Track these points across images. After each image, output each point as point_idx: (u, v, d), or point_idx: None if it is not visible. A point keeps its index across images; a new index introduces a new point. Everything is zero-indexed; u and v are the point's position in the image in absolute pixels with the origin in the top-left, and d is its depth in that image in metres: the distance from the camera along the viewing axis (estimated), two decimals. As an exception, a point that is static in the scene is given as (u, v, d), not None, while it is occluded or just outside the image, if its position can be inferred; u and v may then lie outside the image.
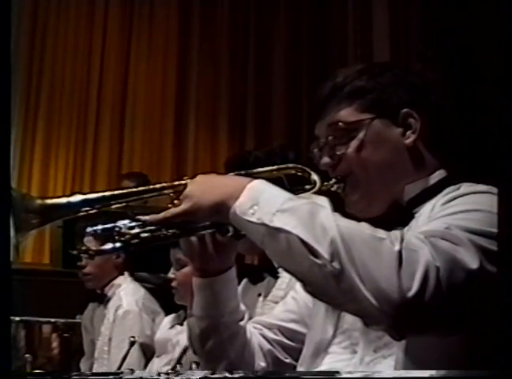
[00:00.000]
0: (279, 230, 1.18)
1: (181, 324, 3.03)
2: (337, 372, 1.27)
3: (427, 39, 4.48)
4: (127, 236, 1.36)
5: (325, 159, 1.46)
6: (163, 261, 3.12)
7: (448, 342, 1.22)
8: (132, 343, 2.98)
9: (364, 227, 1.18)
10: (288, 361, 1.58)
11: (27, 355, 3.62)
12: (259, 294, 2.25)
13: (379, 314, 1.11)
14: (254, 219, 1.22)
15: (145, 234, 1.35)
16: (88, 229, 1.41)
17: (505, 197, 1.08)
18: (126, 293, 3.58)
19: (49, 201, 1.34)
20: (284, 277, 2.18)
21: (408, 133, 1.43)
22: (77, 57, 6.52)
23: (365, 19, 5.42)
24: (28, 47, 6.36)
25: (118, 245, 1.37)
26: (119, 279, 3.65)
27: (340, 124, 1.43)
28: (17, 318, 3.71)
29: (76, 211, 1.35)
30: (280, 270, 2.22)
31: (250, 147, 6.42)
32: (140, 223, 1.35)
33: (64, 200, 1.35)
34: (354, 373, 1.29)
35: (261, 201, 1.23)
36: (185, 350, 2.77)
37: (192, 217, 1.32)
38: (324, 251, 1.13)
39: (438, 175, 1.44)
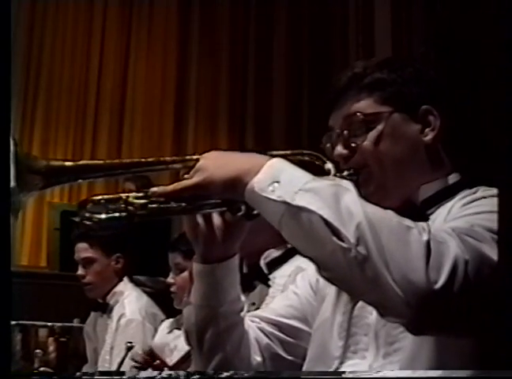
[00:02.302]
0: (301, 209, 1.13)
1: (179, 329, 3.00)
2: (343, 372, 1.30)
3: (430, 40, 4.46)
4: (134, 205, 1.28)
5: (340, 150, 1.42)
6: (162, 266, 3.10)
7: (461, 349, 1.20)
8: (129, 349, 2.94)
9: (391, 215, 1.14)
10: (290, 358, 1.52)
11: (37, 351, 3.59)
12: (253, 304, 2.19)
13: (403, 305, 1.07)
14: (273, 197, 1.16)
15: (153, 205, 1.29)
16: (95, 197, 1.32)
17: (505, 197, 1.05)
18: (130, 301, 3.53)
19: (55, 163, 1.28)
20: (277, 284, 2.14)
21: (427, 130, 1.40)
22: (76, 54, 6.48)
23: (367, 19, 5.38)
24: (25, 43, 6.32)
25: (124, 214, 1.29)
26: (120, 286, 3.60)
27: (358, 114, 1.39)
28: (13, 322, 3.68)
29: (81, 176, 1.30)
30: (271, 277, 2.19)
31: (251, 145, 6.41)
32: (148, 194, 1.29)
33: (70, 163, 1.30)
34: (359, 373, 1.28)
35: (282, 179, 1.17)
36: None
37: (204, 191, 1.26)
38: (349, 234, 1.08)
39: (453, 178, 1.42)
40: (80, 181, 1.33)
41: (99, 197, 1.32)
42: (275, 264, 2.19)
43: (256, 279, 2.21)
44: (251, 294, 2.22)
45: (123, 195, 1.31)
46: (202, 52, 6.69)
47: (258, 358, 1.51)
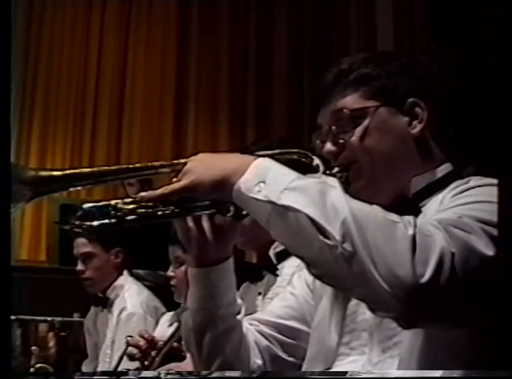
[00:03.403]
0: (287, 208, 1.14)
1: (180, 322, 2.99)
2: (346, 372, 1.30)
3: (432, 31, 4.44)
4: (123, 210, 1.30)
5: (329, 147, 1.41)
6: (162, 259, 3.08)
7: (458, 340, 1.19)
8: (129, 343, 2.92)
9: (377, 210, 1.15)
10: (290, 359, 1.53)
11: (33, 348, 3.59)
12: (259, 293, 2.21)
13: (391, 300, 1.08)
14: (260, 197, 1.17)
15: (142, 210, 1.30)
16: (84, 206, 1.33)
17: (505, 188, 1.06)
18: (130, 294, 3.52)
19: (43, 173, 1.29)
20: (285, 274, 2.13)
21: (415, 122, 1.39)
22: (74, 48, 6.46)
23: (368, 10, 5.37)
24: (23, 39, 6.31)
25: (113, 221, 1.31)
26: (120, 280, 3.59)
27: (345, 110, 1.39)
28: (13, 317, 3.66)
29: (70, 185, 1.31)
30: (279, 267, 2.18)
31: (251, 140, 6.39)
32: (136, 199, 1.31)
33: (58, 173, 1.31)
34: (362, 373, 1.28)
35: (268, 179, 1.18)
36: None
37: (192, 193, 1.27)
38: (335, 232, 1.09)
39: (445, 168, 1.41)
40: (69, 189, 1.34)
41: (90, 205, 1.33)
42: (284, 255, 2.18)
43: (265, 269, 2.22)
44: (259, 283, 2.23)
45: (113, 201, 1.31)
46: (202, 46, 6.67)
47: (259, 361, 1.51)
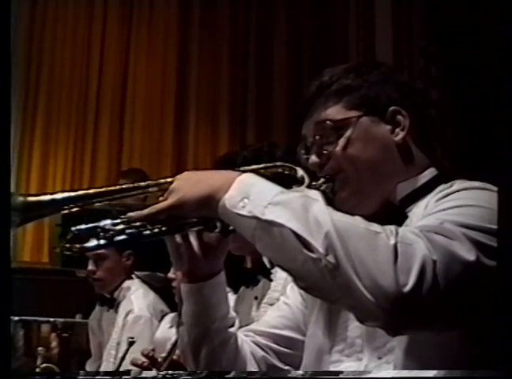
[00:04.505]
0: (271, 223, 1.16)
1: (181, 324, 3.00)
2: (341, 372, 1.32)
3: (430, 34, 4.46)
4: (112, 232, 1.32)
5: (313, 159, 1.43)
6: (163, 261, 3.10)
7: (449, 343, 1.21)
8: (130, 344, 2.94)
9: (358, 221, 1.16)
10: (286, 368, 1.54)
11: (40, 348, 3.61)
12: (256, 298, 2.23)
13: (376, 310, 1.09)
14: (244, 213, 1.19)
15: (130, 231, 1.32)
16: (73, 228, 1.35)
17: (504, 194, 1.07)
18: (137, 297, 3.53)
19: (32, 199, 1.31)
20: (279, 278, 2.15)
21: (397, 130, 1.41)
22: (76, 52, 6.48)
23: (367, 13, 5.38)
24: (26, 43, 6.32)
25: (102, 242, 1.33)
26: (128, 282, 3.60)
27: (328, 122, 1.41)
28: (16, 318, 3.70)
29: (59, 208, 1.33)
30: (273, 271, 2.20)
31: (251, 143, 6.41)
32: (125, 219, 1.33)
33: (47, 197, 1.32)
34: (357, 373, 1.30)
35: (251, 194, 1.20)
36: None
37: (178, 211, 1.29)
38: (318, 245, 1.11)
39: (429, 173, 1.42)
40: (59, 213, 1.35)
41: (79, 227, 1.34)
42: None
43: (259, 274, 2.23)
44: (255, 288, 2.24)
45: (101, 223, 1.33)
46: (202, 51, 6.68)
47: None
